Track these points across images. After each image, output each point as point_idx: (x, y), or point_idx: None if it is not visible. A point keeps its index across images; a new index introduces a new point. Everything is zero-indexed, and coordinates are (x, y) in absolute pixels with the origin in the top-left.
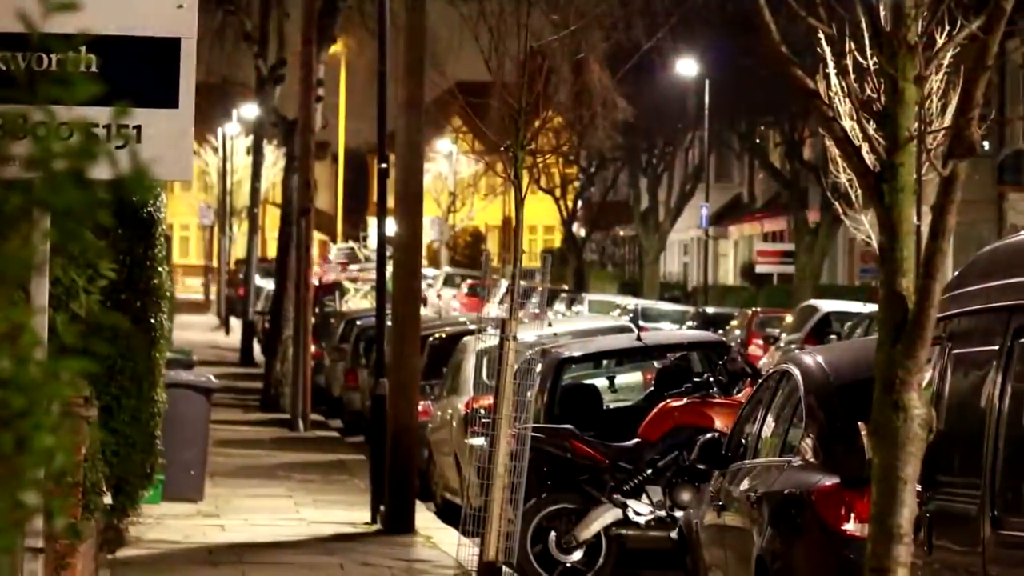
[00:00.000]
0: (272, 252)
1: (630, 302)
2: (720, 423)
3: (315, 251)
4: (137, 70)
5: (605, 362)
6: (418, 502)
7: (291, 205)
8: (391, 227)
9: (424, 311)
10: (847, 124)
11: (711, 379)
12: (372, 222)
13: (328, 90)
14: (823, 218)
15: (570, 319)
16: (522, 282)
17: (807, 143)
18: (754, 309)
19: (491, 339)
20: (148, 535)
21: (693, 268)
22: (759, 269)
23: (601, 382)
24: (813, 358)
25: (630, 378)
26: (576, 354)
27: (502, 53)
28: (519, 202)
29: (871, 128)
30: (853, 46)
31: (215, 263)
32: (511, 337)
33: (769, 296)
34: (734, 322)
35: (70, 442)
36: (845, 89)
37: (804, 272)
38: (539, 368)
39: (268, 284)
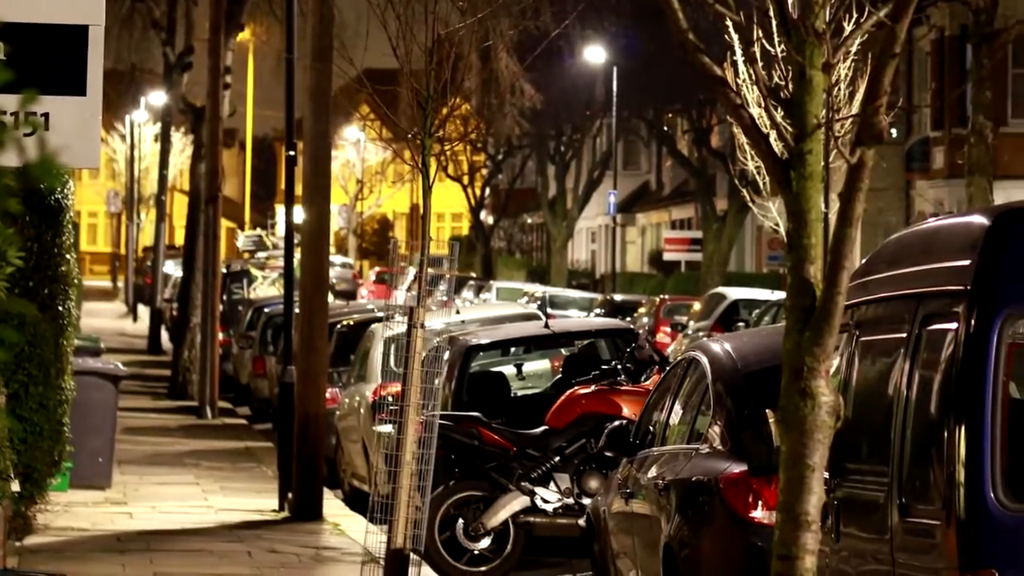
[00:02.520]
0: (180, 240)
1: (538, 289)
2: (628, 411)
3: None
4: (45, 57)
5: (513, 349)
6: (326, 489)
7: (199, 193)
8: (299, 215)
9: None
10: (755, 112)
11: (619, 367)
12: (280, 210)
13: (236, 77)
14: (731, 205)
15: (478, 306)
16: (430, 269)
17: (715, 131)
18: (662, 297)
19: (399, 326)
20: (56, 522)
21: (601, 255)
22: (667, 256)
23: (509, 370)
24: (721, 346)
25: (538, 365)
26: (484, 341)
27: (410, 40)
28: (427, 190)
29: (779, 115)
30: (761, 33)
31: (123, 251)
32: (419, 324)
33: (677, 283)
34: (642, 309)
35: None
36: (753, 76)
37: (712, 260)
38: (447, 355)
39: (176, 271)
